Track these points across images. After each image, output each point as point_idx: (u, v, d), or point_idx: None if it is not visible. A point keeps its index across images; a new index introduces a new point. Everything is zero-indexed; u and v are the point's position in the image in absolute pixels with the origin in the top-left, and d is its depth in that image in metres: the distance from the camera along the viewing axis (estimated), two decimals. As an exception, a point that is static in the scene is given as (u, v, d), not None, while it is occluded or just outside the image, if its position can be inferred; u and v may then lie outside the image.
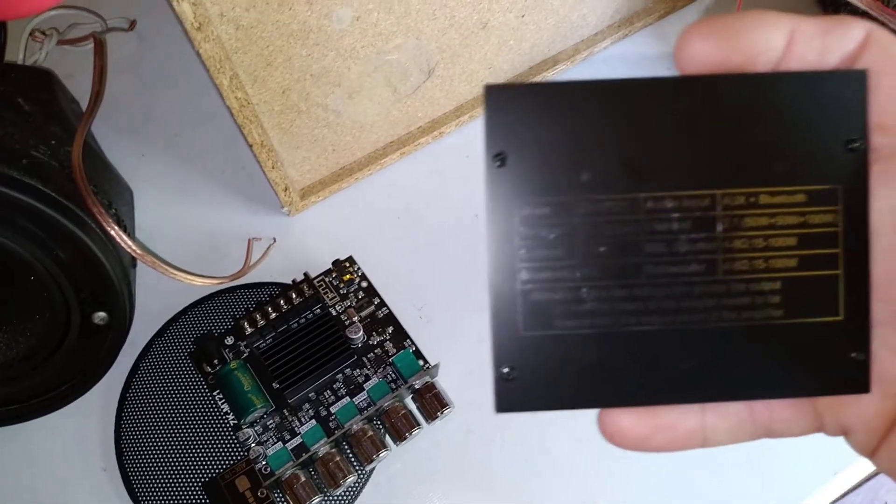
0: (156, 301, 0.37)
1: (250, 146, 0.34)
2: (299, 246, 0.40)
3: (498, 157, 0.17)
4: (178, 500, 0.32)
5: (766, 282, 0.17)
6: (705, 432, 0.17)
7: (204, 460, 0.33)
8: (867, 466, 0.34)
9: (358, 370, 0.33)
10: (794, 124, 0.16)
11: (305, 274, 0.36)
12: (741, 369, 0.17)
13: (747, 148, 0.17)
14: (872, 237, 0.17)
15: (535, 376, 0.17)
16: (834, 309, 0.17)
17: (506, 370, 0.17)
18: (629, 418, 0.17)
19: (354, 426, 0.32)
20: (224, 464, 0.33)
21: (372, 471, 0.33)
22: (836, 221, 0.17)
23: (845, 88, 0.16)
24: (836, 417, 0.17)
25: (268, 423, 0.32)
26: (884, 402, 0.17)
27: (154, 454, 0.33)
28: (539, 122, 0.16)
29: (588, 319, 0.17)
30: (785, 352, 0.17)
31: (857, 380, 0.17)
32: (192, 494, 0.32)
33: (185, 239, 0.40)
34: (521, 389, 0.17)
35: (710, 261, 0.17)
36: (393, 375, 0.33)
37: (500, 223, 0.17)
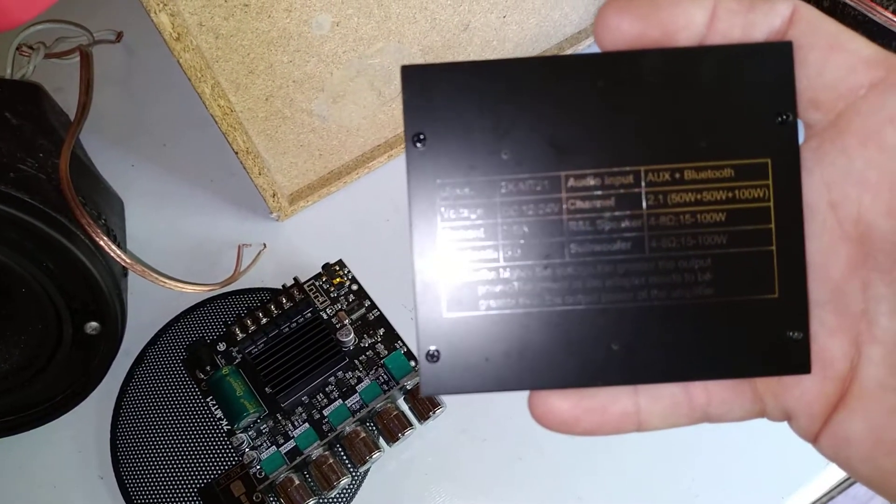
0: (148, 310, 0.37)
1: (236, 153, 0.34)
2: (289, 251, 0.40)
3: (417, 138, 0.16)
4: (174, 507, 0.32)
5: (696, 259, 0.16)
6: (639, 416, 0.17)
7: (199, 466, 0.33)
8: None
9: (350, 373, 0.34)
10: (719, 98, 0.16)
11: (295, 278, 0.36)
12: (673, 350, 0.16)
13: (671, 123, 0.16)
14: (808, 214, 0.16)
15: (461, 357, 0.17)
16: (769, 286, 0.16)
17: (431, 351, 0.17)
18: (559, 400, 0.17)
19: (347, 428, 0.32)
20: (219, 469, 0.33)
21: (366, 472, 0.33)
22: (766, 196, 0.16)
23: (771, 61, 0.16)
24: (778, 401, 0.17)
25: (261, 428, 0.32)
26: (824, 385, 0.16)
27: (150, 461, 0.34)
28: (458, 101, 0.16)
29: (512, 299, 0.17)
30: (719, 331, 0.16)
31: (796, 360, 0.16)
32: (188, 500, 0.32)
33: (176, 247, 0.41)
34: (447, 371, 0.17)
35: (636, 238, 0.16)
36: (385, 377, 0.33)
37: (422, 204, 0.17)
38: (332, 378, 0.34)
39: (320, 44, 0.33)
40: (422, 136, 0.16)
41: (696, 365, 0.16)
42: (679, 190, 0.16)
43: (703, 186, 0.16)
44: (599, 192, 0.16)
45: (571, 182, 0.16)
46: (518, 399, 0.37)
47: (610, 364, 0.17)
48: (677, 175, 0.16)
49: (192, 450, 0.34)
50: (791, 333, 0.16)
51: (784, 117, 0.16)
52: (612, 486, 0.33)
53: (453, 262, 0.17)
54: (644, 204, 0.16)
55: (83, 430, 0.35)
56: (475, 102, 0.16)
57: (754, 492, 0.32)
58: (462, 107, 0.16)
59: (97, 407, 0.35)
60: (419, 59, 0.38)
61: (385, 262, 0.39)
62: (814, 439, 0.17)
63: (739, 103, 0.16)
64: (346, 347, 0.34)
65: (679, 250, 0.16)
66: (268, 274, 0.39)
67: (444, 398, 0.34)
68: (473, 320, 0.17)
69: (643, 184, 0.16)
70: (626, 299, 0.17)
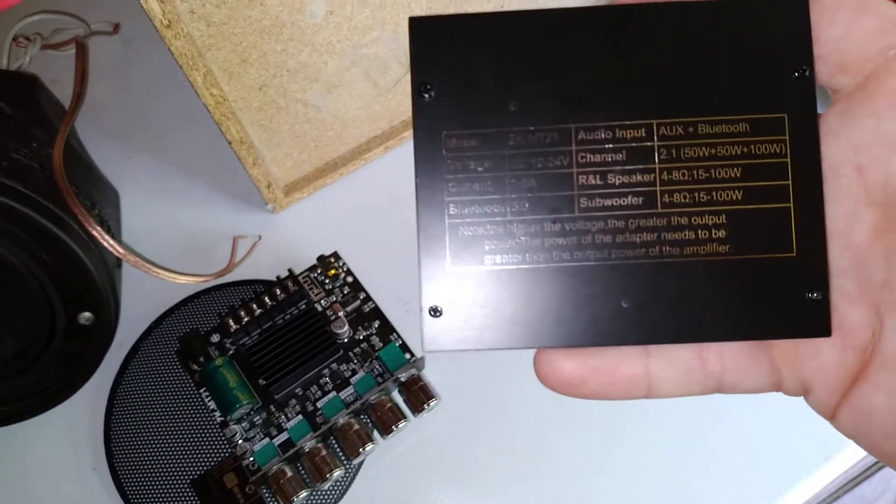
0: (143, 301, 0.37)
1: (229, 143, 0.34)
2: (284, 243, 0.40)
3: (424, 88, 0.16)
4: (167, 498, 0.32)
5: (710, 215, 0.16)
6: (649, 379, 0.16)
7: (192, 457, 0.33)
8: (861, 452, 0.33)
9: (344, 365, 0.33)
10: (733, 52, 0.16)
11: (290, 270, 0.36)
12: (686, 309, 0.16)
13: (684, 77, 0.16)
14: (832, 178, 0.16)
15: (466, 313, 0.16)
16: (786, 245, 0.16)
17: (434, 306, 0.16)
18: (565, 359, 0.16)
19: (341, 420, 0.32)
20: (212, 461, 0.33)
21: (360, 465, 0.33)
22: (783, 152, 0.16)
23: (787, 15, 0.15)
24: (795, 372, 0.16)
25: (254, 420, 0.32)
26: (844, 355, 0.16)
27: (143, 452, 0.33)
28: (466, 52, 0.16)
29: (519, 254, 0.16)
30: (734, 290, 0.16)
31: (815, 322, 0.16)
32: (181, 491, 0.32)
33: (171, 239, 0.40)
34: (450, 327, 0.16)
35: (648, 193, 0.16)
36: (379, 369, 0.33)
37: (427, 156, 0.16)
38: (327, 370, 0.33)
39: (314, 33, 0.32)
40: (428, 87, 0.16)
41: (710, 325, 0.16)
42: (693, 144, 0.16)
43: (717, 141, 0.16)
44: (610, 146, 0.16)
45: (582, 135, 0.16)
46: (512, 392, 0.36)
47: (620, 322, 0.16)
48: (691, 129, 0.16)
49: (185, 441, 0.34)
50: (810, 294, 0.16)
51: (800, 71, 0.16)
52: (604, 479, 0.32)
53: (458, 216, 0.16)
54: (657, 158, 0.16)
55: (77, 421, 0.35)
56: (483, 53, 0.16)
57: (753, 482, 0.32)
58: (470, 57, 0.16)
59: (91, 398, 0.35)
60: (415, 50, 0.37)
61: (381, 254, 0.39)
62: (832, 415, 0.16)
63: (754, 57, 0.16)
64: (340, 339, 0.34)
65: (692, 206, 0.16)
66: (262, 266, 0.39)
67: (440, 391, 0.33)
68: (478, 275, 0.16)
69: (655, 137, 0.16)
70: (637, 255, 0.16)
